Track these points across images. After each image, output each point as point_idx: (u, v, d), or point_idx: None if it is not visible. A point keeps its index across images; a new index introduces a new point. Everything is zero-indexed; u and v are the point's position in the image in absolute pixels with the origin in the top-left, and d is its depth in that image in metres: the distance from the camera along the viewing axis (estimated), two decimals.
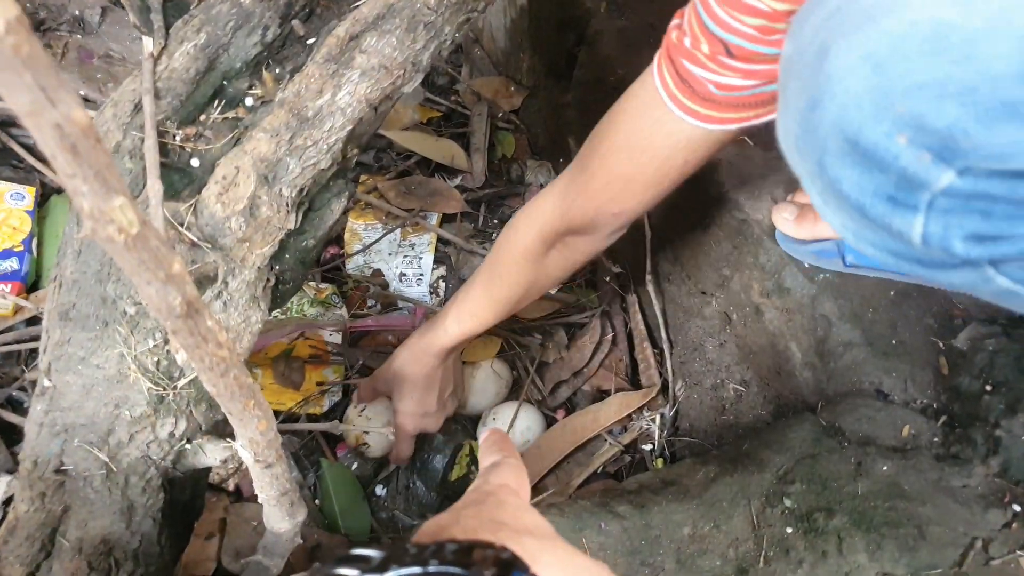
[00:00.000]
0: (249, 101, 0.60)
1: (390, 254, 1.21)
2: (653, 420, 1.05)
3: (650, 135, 0.63)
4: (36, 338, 1.12)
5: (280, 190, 0.59)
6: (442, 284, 1.20)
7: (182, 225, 0.55)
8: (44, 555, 0.74)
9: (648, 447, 1.03)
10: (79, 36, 1.23)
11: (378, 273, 1.19)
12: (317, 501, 1.05)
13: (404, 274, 1.19)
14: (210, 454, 0.68)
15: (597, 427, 1.06)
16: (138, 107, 0.57)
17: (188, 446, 0.68)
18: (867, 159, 0.41)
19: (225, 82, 0.60)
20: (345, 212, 1.24)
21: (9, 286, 1.09)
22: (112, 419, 0.65)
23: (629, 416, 1.06)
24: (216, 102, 0.59)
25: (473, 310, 0.88)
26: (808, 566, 0.65)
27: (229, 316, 0.59)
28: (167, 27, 0.59)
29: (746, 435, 0.83)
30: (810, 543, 0.66)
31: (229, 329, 0.60)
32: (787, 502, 0.68)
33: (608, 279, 1.19)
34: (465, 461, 1.08)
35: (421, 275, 1.19)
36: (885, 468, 0.69)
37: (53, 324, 0.62)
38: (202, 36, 0.59)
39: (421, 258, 1.21)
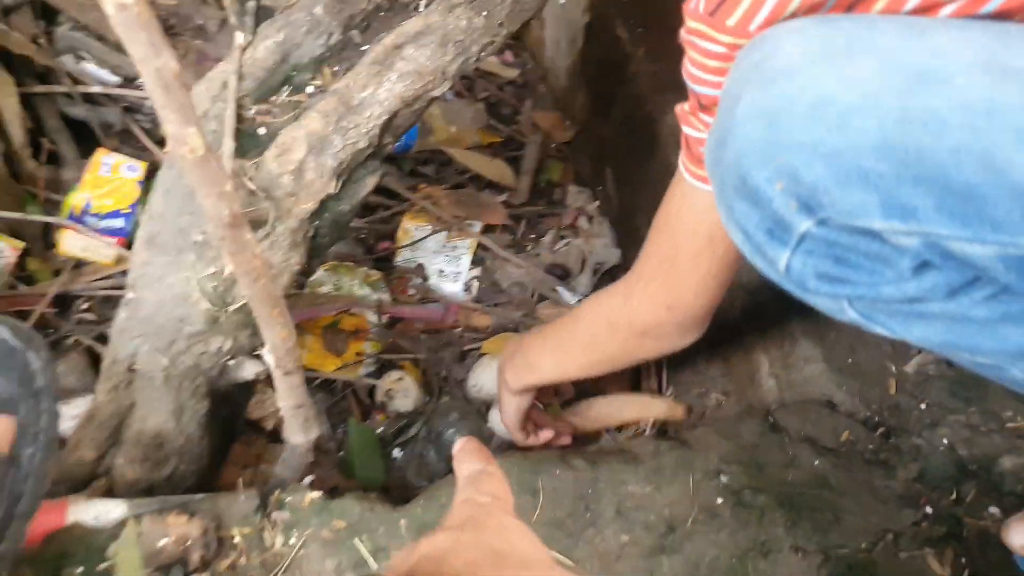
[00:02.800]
0: (310, 89, 0.76)
1: (434, 252, 1.36)
2: (648, 422, 1.15)
3: (677, 210, 0.66)
4: None
5: (325, 160, 0.74)
6: (475, 283, 1.34)
7: (245, 176, 0.71)
8: (111, 442, 0.91)
9: None
10: (199, 42, 1.44)
11: (420, 268, 1.34)
12: (341, 452, 1.19)
13: (443, 271, 1.34)
14: (247, 368, 0.83)
15: (620, 419, 1.15)
16: (225, 85, 0.74)
17: (232, 362, 0.83)
18: (752, 197, 0.48)
19: (294, 72, 0.76)
20: (380, 208, 1.40)
21: (115, 240, 1.29)
22: (175, 331, 0.81)
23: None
24: (285, 87, 0.76)
25: (572, 368, 0.88)
26: (729, 531, 0.74)
27: (273, 254, 0.75)
28: (256, 26, 0.76)
29: None
30: (735, 513, 0.75)
31: (272, 266, 0.76)
32: (723, 478, 0.78)
33: None
34: None
35: (458, 273, 1.34)
36: (817, 463, 0.78)
37: (140, 247, 0.79)
38: (281, 35, 0.76)
39: (460, 259, 1.35)
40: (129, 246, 1.32)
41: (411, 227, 1.40)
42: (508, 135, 1.61)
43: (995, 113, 0.41)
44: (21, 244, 1.26)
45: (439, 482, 0.82)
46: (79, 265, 1.29)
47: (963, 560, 0.72)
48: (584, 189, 1.49)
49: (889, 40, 0.45)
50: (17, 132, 1.32)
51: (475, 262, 1.36)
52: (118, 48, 1.40)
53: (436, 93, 0.78)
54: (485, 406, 1.23)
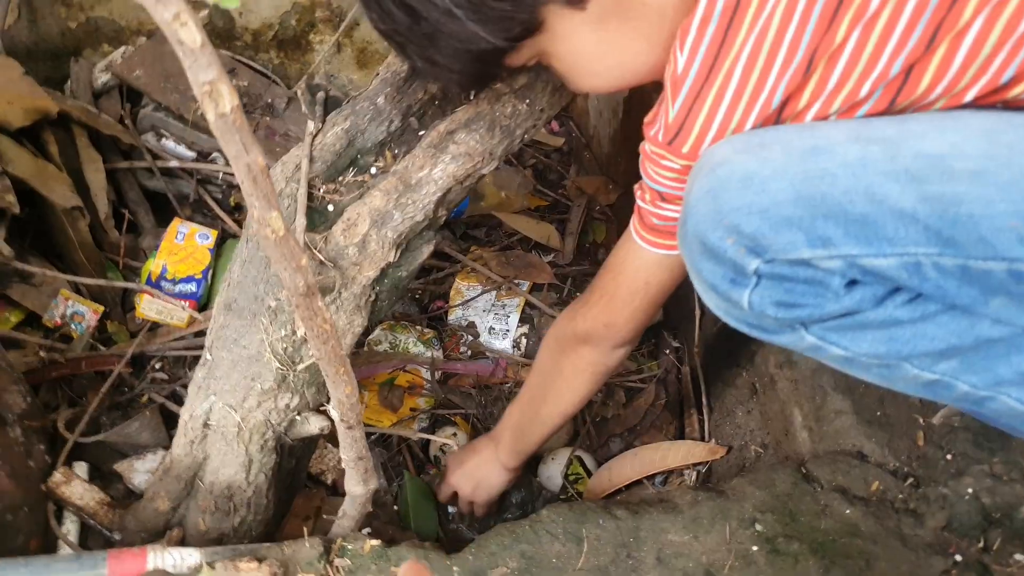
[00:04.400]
0: (373, 170, 0.85)
1: (484, 311, 1.44)
2: (691, 474, 1.19)
3: (624, 259, 0.84)
4: (201, 347, 1.42)
5: (386, 233, 0.82)
6: (524, 340, 1.40)
7: (315, 248, 0.79)
8: (186, 493, 0.99)
9: None
10: (268, 118, 1.57)
11: (472, 325, 1.42)
12: (396, 507, 1.25)
13: (493, 328, 1.41)
14: (313, 423, 0.91)
15: (664, 465, 1.20)
16: (298, 167, 0.83)
17: (298, 417, 0.91)
18: (713, 255, 0.63)
19: (359, 155, 0.85)
20: (434, 270, 1.49)
21: (187, 303, 1.39)
22: (247, 389, 0.90)
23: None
24: (351, 168, 0.85)
25: (513, 406, 1.08)
26: None
27: (339, 317, 0.83)
28: (325, 114, 0.86)
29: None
30: (770, 560, 0.79)
31: (337, 327, 0.83)
32: (757, 527, 0.82)
33: (668, 352, 1.36)
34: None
35: (507, 331, 1.41)
36: (848, 512, 0.82)
37: (219, 312, 0.88)
38: (347, 123, 0.85)
39: (509, 317, 1.42)
40: (201, 309, 1.43)
41: (463, 287, 1.48)
42: (554, 199, 1.69)
43: (867, 163, 0.58)
44: (101, 308, 1.37)
45: (488, 532, 0.88)
46: (154, 327, 1.39)
47: None
48: None
49: (789, 134, 0.61)
50: (102, 205, 1.45)
51: (523, 319, 1.43)
52: (195, 126, 1.53)
53: (485, 171, 0.86)
54: (533, 459, 1.28)
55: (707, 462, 1.17)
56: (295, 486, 1.09)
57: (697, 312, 1.21)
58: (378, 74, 0.87)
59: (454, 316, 1.44)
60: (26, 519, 0.97)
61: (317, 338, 0.69)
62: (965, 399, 0.67)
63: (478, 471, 1.13)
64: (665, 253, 0.79)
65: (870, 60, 0.59)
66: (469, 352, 1.40)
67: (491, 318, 1.43)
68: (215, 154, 1.57)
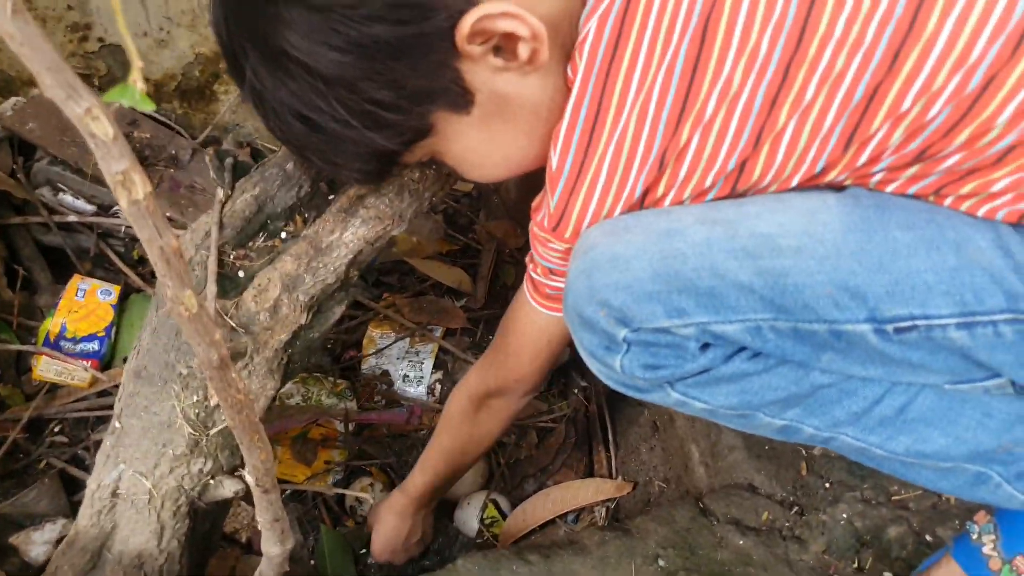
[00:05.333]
0: (283, 235, 0.87)
1: (398, 358, 1.46)
2: (601, 510, 1.24)
3: (525, 322, 0.91)
4: (105, 407, 1.38)
5: (298, 296, 0.84)
6: (438, 386, 1.43)
7: (227, 315, 0.81)
8: (92, 566, 0.97)
9: None
10: (172, 170, 1.56)
11: (385, 374, 1.44)
12: (313, 560, 1.25)
13: (407, 376, 1.44)
14: (227, 487, 0.91)
15: (575, 503, 1.25)
16: (207, 234, 0.84)
17: (212, 481, 0.90)
18: (589, 326, 0.71)
19: (268, 221, 0.87)
20: (346, 319, 1.51)
21: (89, 363, 1.36)
22: (159, 455, 0.89)
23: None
24: (261, 234, 0.87)
25: (430, 463, 1.12)
26: None
27: (251, 382, 0.84)
28: (234, 181, 0.87)
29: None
30: None
31: (250, 392, 0.84)
32: (660, 562, 0.87)
33: (576, 391, 1.41)
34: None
35: (422, 377, 1.43)
36: (742, 542, 0.88)
37: (128, 379, 0.88)
38: (257, 189, 0.87)
39: (423, 363, 1.45)
40: (104, 367, 1.40)
41: (376, 335, 1.49)
42: (465, 243, 1.74)
43: (712, 243, 0.66)
44: None
45: None
46: (52, 388, 1.35)
47: None
48: None
49: (649, 219, 0.70)
50: None
51: (437, 365, 1.46)
52: (94, 180, 1.50)
53: (395, 232, 0.89)
54: (449, 506, 1.31)
55: (615, 498, 1.22)
56: (209, 548, 1.08)
57: None
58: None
59: (367, 365, 1.46)
60: None
61: (231, 408, 0.70)
62: (813, 439, 0.76)
63: (399, 532, 1.18)
64: (560, 315, 0.85)
65: (710, 158, 0.67)
66: (383, 401, 1.41)
67: (405, 365, 1.45)
68: (116, 207, 1.54)
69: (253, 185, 0.88)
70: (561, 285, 0.82)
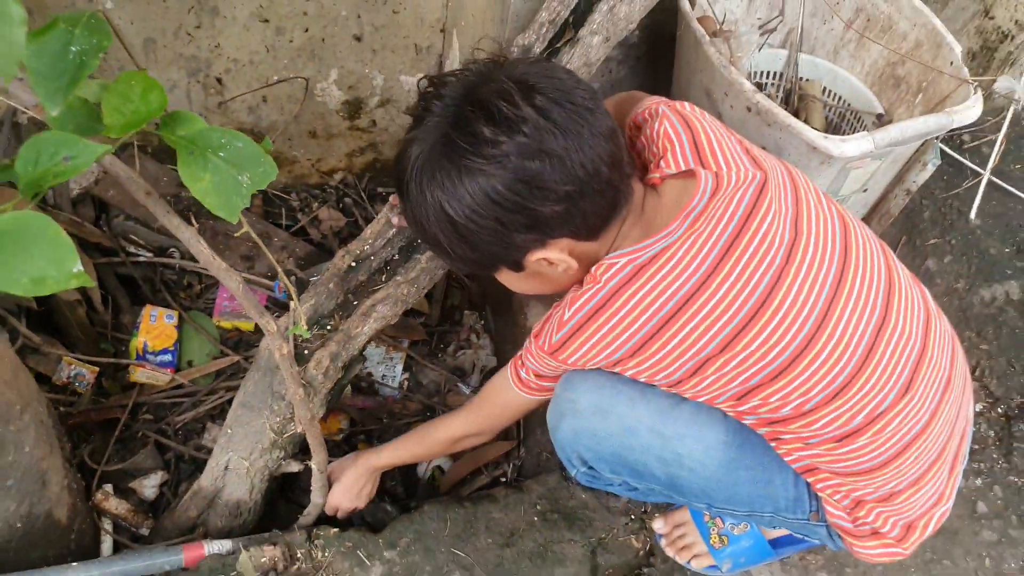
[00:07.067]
0: (328, 327, 1.52)
1: (379, 363, 2.12)
2: (508, 468, 1.95)
3: (506, 398, 1.38)
4: (176, 396, 2.01)
5: (337, 364, 1.50)
6: (406, 383, 2.11)
7: (302, 376, 1.46)
8: (208, 504, 1.63)
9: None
10: (211, 221, 2.14)
11: (370, 374, 2.10)
12: None
13: (385, 375, 2.11)
14: (292, 466, 1.58)
15: (485, 459, 1.94)
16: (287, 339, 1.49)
17: (283, 462, 1.57)
18: (565, 455, 1.33)
19: (320, 319, 1.52)
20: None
21: (168, 370, 1.98)
22: (253, 448, 1.55)
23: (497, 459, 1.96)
24: (315, 327, 1.51)
25: (402, 452, 1.57)
26: (542, 535, 1.55)
27: (314, 407, 1.50)
28: (298, 291, 1.51)
29: None
30: (541, 524, 1.56)
31: (315, 414, 1.51)
32: (537, 506, 1.58)
33: None
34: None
35: (395, 376, 2.11)
36: (584, 496, 1.60)
37: (236, 406, 1.53)
38: (313, 300, 1.51)
39: (396, 366, 2.12)
40: (176, 371, 2.02)
41: None
42: None
43: (648, 449, 1.25)
44: (96, 369, 1.94)
45: (395, 520, 1.61)
46: (141, 386, 1.98)
47: None
48: (473, 312, 2.28)
49: (622, 406, 1.22)
50: (96, 295, 1.99)
51: (405, 368, 2.13)
52: (158, 231, 2.09)
53: (392, 323, 1.55)
54: None
55: (521, 461, 1.94)
56: (276, 501, 1.76)
57: None
58: (328, 268, 1.54)
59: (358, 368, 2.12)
60: (84, 524, 1.58)
61: (308, 424, 1.36)
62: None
63: (359, 486, 1.63)
64: (539, 398, 1.34)
65: (663, 369, 1.10)
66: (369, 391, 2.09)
67: (383, 368, 2.12)
68: (172, 248, 2.13)
69: (311, 297, 1.52)
70: (547, 384, 1.30)
